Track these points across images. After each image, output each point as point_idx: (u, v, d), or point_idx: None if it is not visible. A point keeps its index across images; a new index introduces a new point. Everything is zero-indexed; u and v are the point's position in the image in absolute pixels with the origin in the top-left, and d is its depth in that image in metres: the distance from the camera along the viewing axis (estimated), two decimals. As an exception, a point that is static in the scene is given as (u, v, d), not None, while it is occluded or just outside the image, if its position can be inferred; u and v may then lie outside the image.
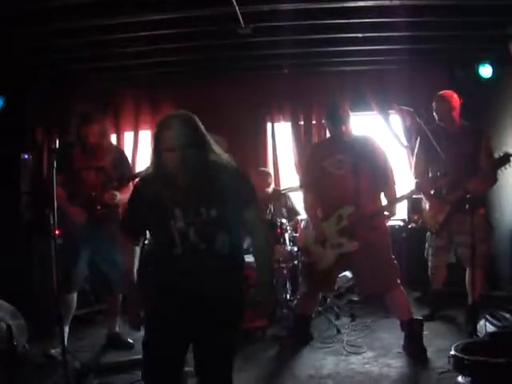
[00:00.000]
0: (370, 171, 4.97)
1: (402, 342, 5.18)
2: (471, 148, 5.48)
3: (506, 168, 5.03)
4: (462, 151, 5.46)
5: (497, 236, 6.88)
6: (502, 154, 5.04)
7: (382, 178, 5.04)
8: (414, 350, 4.88)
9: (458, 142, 5.49)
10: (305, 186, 5.36)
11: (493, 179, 5.37)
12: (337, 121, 5.02)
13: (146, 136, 8.38)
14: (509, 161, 4.98)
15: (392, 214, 5.09)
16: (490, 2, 5.57)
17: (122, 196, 5.55)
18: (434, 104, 5.71)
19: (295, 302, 5.92)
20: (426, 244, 6.10)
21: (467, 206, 5.17)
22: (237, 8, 5.29)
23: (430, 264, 6.05)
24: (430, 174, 5.75)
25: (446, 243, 5.84)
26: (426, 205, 5.83)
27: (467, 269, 5.60)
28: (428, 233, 6.03)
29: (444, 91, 5.73)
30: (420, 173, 5.82)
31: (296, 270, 6.31)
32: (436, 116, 5.71)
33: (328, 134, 5.44)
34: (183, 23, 5.97)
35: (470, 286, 5.48)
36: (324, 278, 5.17)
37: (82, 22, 5.73)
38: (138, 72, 7.80)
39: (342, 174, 4.96)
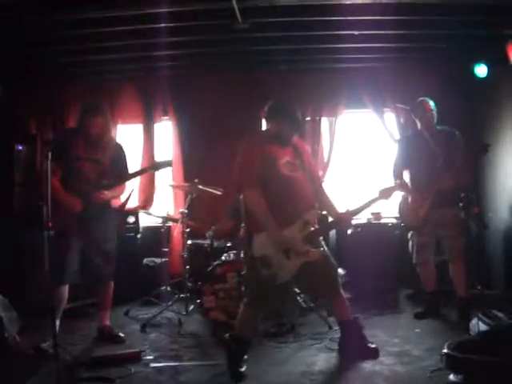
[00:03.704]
0: (309, 177, 4.79)
1: (395, 340, 5.25)
2: (445, 150, 5.83)
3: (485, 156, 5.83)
4: (437, 153, 5.81)
5: (490, 235, 6.92)
6: (480, 146, 5.67)
7: (318, 184, 4.91)
8: (355, 349, 4.85)
9: (434, 144, 5.87)
10: (254, 185, 4.48)
11: (467, 174, 5.82)
12: (296, 122, 4.77)
13: (136, 130, 8.34)
14: (486, 150, 5.60)
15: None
16: (486, 1, 5.56)
17: (114, 194, 5.56)
18: (414, 109, 6.15)
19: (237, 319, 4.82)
20: (410, 243, 6.27)
21: (461, 204, 5.37)
22: (234, 2, 5.26)
23: (414, 261, 6.20)
24: (409, 175, 6.11)
25: (429, 240, 6.05)
26: (407, 201, 6.10)
27: (450, 263, 5.95)
28: (410, 232, 6.25)
29: (422, 98, 6.12)
30: (398, 173, 6.15)
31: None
32: (417, 120, 6.13)
33: (265, 128, 4.98)
34: (179, 17, 5.93)
35: (455, 280, 5.90)
36: (282, 292, 4.67)
37: (76, 14, 5.69)
38: (131, 65, 7.76)
39: (297, 177, 4.63)
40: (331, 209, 4.87)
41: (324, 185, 5.08)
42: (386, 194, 4.87)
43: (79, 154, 5.35)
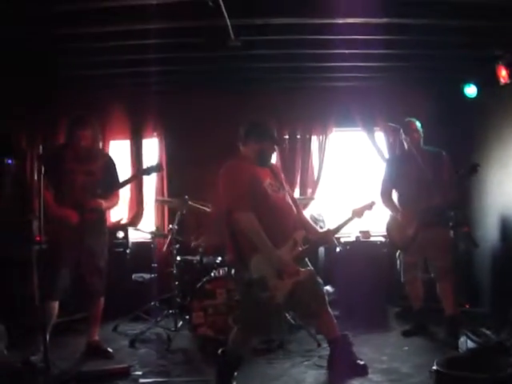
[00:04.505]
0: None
1: (383, 357, 5.25)
2: (432, 170, 5.81)
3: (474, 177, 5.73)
4: (424, 173, 5.77)
5: (478, 253, 6.96)
6: (469, 166, 5.59)
7: (296, 205, 4.88)
8: (344, 366, 4.81)
9: (421, 164, 5.83)
10: (246, 207, 4.34)
11: (453, 194, 5.76)
12: (274, 139, 4.76)
13: (124, 146, 8.35)
14: (476, 171, 5.57)
15: None
16: (476, 22, 5.63)
17: (109, 204, 5.58)
18: (402, 129, 6.08)
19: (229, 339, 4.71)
20: (398, 261, 6.29)
21: (451, 224, 5.40)
22: (228, 20, 5.29)
23: (402, 280, 6.21)
24: (397, 194, 6.21)
25: (416, 259, 6.07)
26: (395, 221, 6.10)
27: (437, 283, 5.96)
28: (398, 251, 6.27)
29: (409, 118, 6.19)
30: (386, 193, 6.21)
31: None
32: (405, 140, 6.10)
33: (242, 152, 4.76)
34: (171, 34, 5.95)
35: (443, 299, 5.91)
36: (276, 314, 4.62)
37: (68, 28, 5.70)
38: (122, 81, 7.76)
39: (282, 198, 4.62)
40: (312, 229, 4.87)
41: (300, 206, 5.09)
42: (358, 213, 4.96)
43: (71, 168, 5.36)
